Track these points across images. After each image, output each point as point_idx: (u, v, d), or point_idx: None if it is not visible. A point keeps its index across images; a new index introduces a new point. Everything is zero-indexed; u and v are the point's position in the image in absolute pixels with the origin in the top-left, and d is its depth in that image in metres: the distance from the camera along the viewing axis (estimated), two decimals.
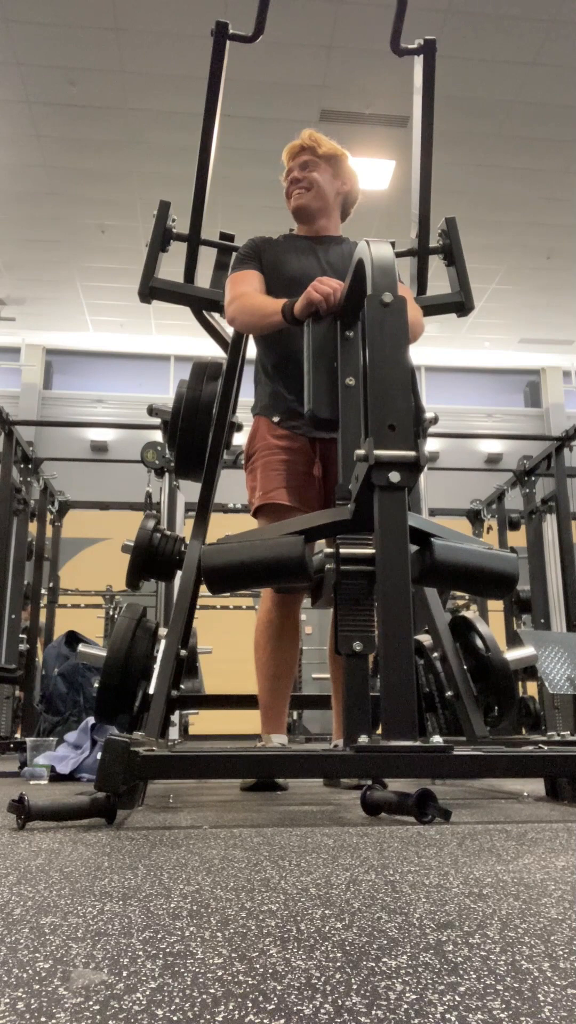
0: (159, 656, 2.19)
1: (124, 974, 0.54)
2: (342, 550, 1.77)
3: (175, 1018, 0.46)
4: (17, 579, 5.12)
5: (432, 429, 2.56)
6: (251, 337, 2.55)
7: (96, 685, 2.30)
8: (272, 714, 2.33)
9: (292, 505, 2.29)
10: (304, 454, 2.36)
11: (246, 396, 2.57)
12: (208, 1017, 0.46)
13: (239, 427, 2.68)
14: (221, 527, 2.38)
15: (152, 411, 3.87)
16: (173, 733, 3.50)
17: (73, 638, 3.90)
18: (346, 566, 1.76)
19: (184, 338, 10.08)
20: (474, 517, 6.98)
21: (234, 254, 2.57)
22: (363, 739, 1.54)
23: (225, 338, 2.67)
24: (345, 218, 2.60)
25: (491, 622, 5.27)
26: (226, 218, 2.51)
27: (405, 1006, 0.48)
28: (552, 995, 0.50)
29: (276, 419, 2.40)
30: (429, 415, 2.49)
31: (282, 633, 2.35)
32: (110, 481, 8.15)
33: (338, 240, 2.51)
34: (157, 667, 2.15)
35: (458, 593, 6.39)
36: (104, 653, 2.28)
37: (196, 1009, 0.47)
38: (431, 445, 9.80)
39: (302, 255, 2.44)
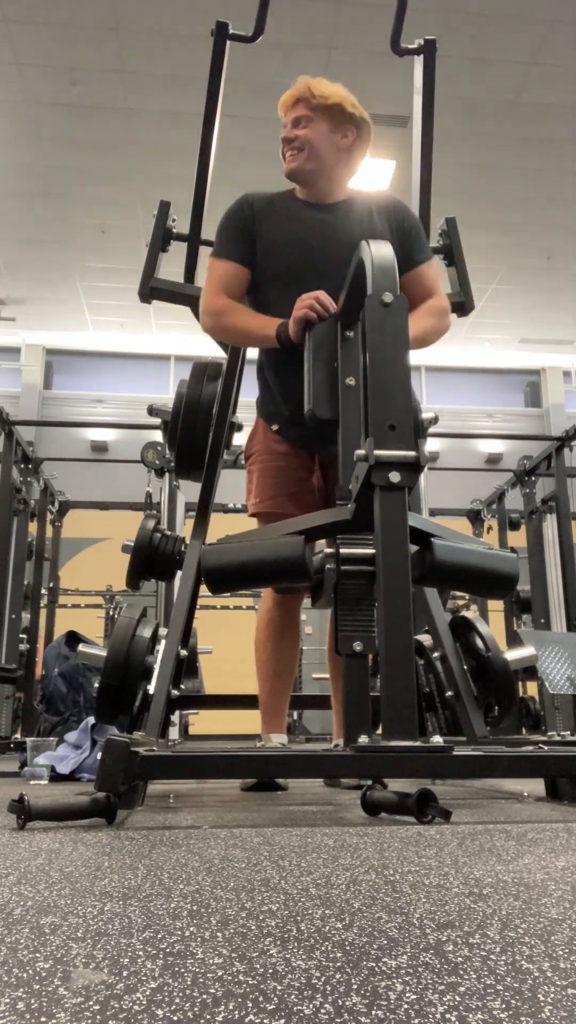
0: (159, 656, 2.19)
1: (124, 974, 0.54)
2: (342, 550, 1.77)
3: (175, 1018, 0.46)
4: (17, 579, 5.12)
5: (432, 429, 2.56)
6: None
7: (96, 685, 2.30)
8: (272, 714, 2.33)
9: (289, 513, 2.27)
10: (303, 459, 2.34)
11: (246, 396, 2.57)
12: (208, 1017, 0.46)
13: (239, 427, 2.68)
14: (221, 527, 2.38)
15: (152, 411, 3.87)
16: (173, 733, 3.50)
17: (73, 638, 3.90)
18: (346, 566, 1.75)
19: (184, 338, 10.09)
20: (474, 517, 6.98)
21: (220, 220, 2.26)
22: (363, 739, 1.54)
23: None
24: (355, 171, 2.30)
25: (491, 622, 5.27)
26: None
27: (405, 1006, 0.47)
28: (552, 995, 0.50)
29: (275, 427, 2.35)
30: (429, 415, 2.49)
31: (282, 632, 2.34)
32: (110, 481, 8.16)
33: (346, 204, 2.24)
34: (157, 667, 2.15)
35: (458, 593, 6.39)
36: (104, 653, 2.28)
37: (196, 1009, 0.47)
38: (431, 445, 9.80)
39: (304, 229, 2.19)
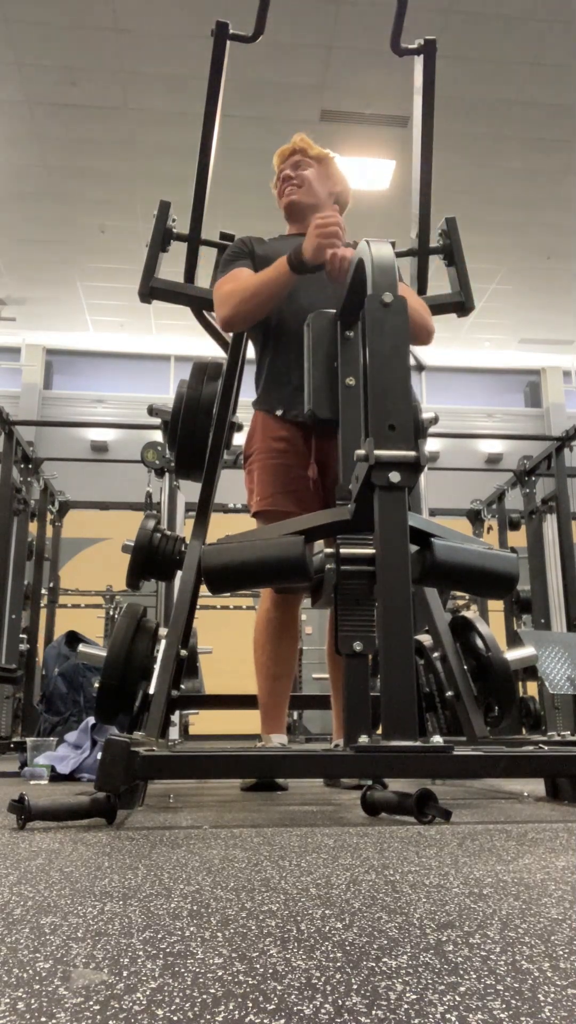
0: (159, 656, 2.19)
1: (124, 974, 0.54)
2: (342, 550, 1.77)
3: (175, 1018, 0.46)
4: (17, 579, 5.12)
5: (432, 429, 2.56)
6: (250, 337, 2.54)
7: (96, 685, 2.30)
8: (272, 714, 2.33)
9: (291, 511, 2.29)
10: (301, 456, 2.35)
11: (246, 396, 2.57)
12: (208, 1017, 0.46)
13: (239, 427, 2.68)
14: (221, 527, 2.38)
15: (152, 411, 3.87)
16: (173, 733, 3.50)
17: (73, 638, 3.90)
18: (346, 566, 1.76)
19: (184, 338, 10.09)
20: (474, 517, 6.98)
21: (223, 255, 2.52)
22: (363, 739, 1.54)
23: (225, 338, 2.67)
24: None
25: (491, 622, 5.28)
26: (226, 218, 2.51)
27: (405, 1006, 0.48)
28: (552, 995, 0.50)
29: (279, 412, 2.37)
30: (429, 415, 2.49)
31: (282, 632, 2.34)
32: (110, 481, 8.15)
33: None
34: (157, 667, 2.15)
35: (458, 593, 6.38)
36: (104, 653, 2.28)
37: (196, 1009, 0.47)
38: (431, 445, 9.80)
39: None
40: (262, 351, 2.47)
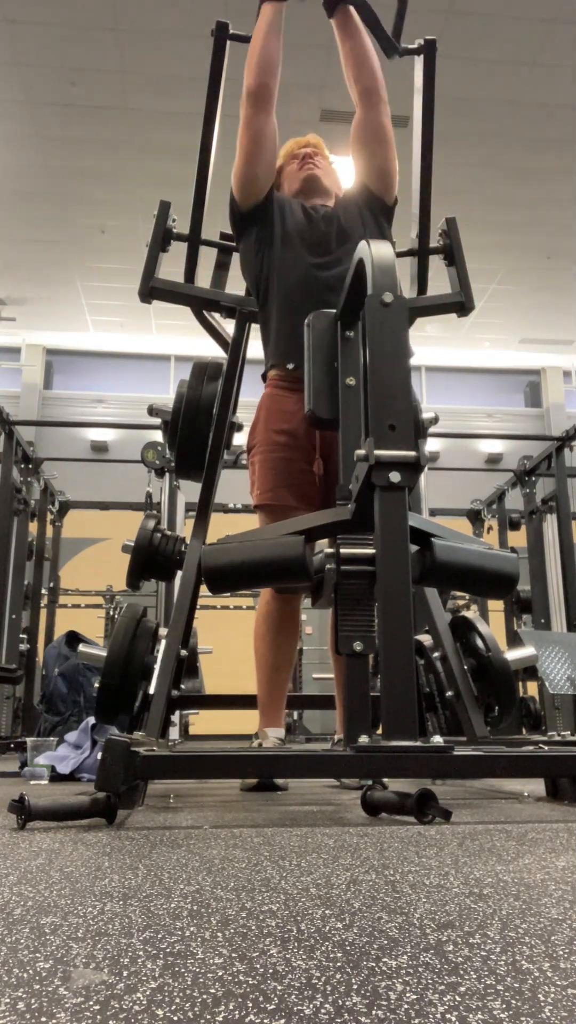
0: (159, 656, 2.19)
1: (124, 974, 0.54)
2: (342, 550, 1.77)
3: (175, 1018, 0.46)
4: (17, 579, 5.12)
5: (432, 429, 2.56)
6: (249, 338, 2.55)
7: (96, 685, 2.30)
8: (270, 707, 2.33)
9: (291, 505, 2.29)
10: (304, 451, 2.35)
11: (246, 396, 2.57)
12: (208, 1017, 0.46)
13: (239, 427, 2.68)
14: (221, 527, 2.38)
15: (152, 411, 3.87)
16: (173, 733, 3.50)
17: (73, 638, 3.90)
18: (346, 566, 1.75)
19: (184, 338, 10.08)
20: (474, 517, 6.98)
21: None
22: (363, 739, 1.54)
23: (225, 338, 2.67)
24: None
25: (491, 622, 5.27)
26: (226, 218, 2.50)
27: (405, 1006, 0.47)
28: (552, 995, 0.50)
29: (291, 365, 2.35)
30: (429, 415, 2.49)
31: (282, 625, 2.35)
32: (110, 481, 8.16)
33: (337, 203, 2.58)
34: (157, 667, 2.15)
35: (458, 593, 6.38)
36: (104, 653, 2.28)
37: (196, 1009, 0.47)
38: (431, 445, 9.80)
39: (300, 212, 2.51)
40: (264, 307, 2.47)
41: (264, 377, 2.49)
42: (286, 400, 2.37)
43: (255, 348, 2.54)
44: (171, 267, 2.59)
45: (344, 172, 2.71)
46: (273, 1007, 0.48)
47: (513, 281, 9.45)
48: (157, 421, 3.90)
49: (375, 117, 2.47)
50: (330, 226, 2.47)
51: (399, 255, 2.52)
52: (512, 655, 2.26)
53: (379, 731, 1.59)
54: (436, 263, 2.71)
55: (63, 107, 6.79)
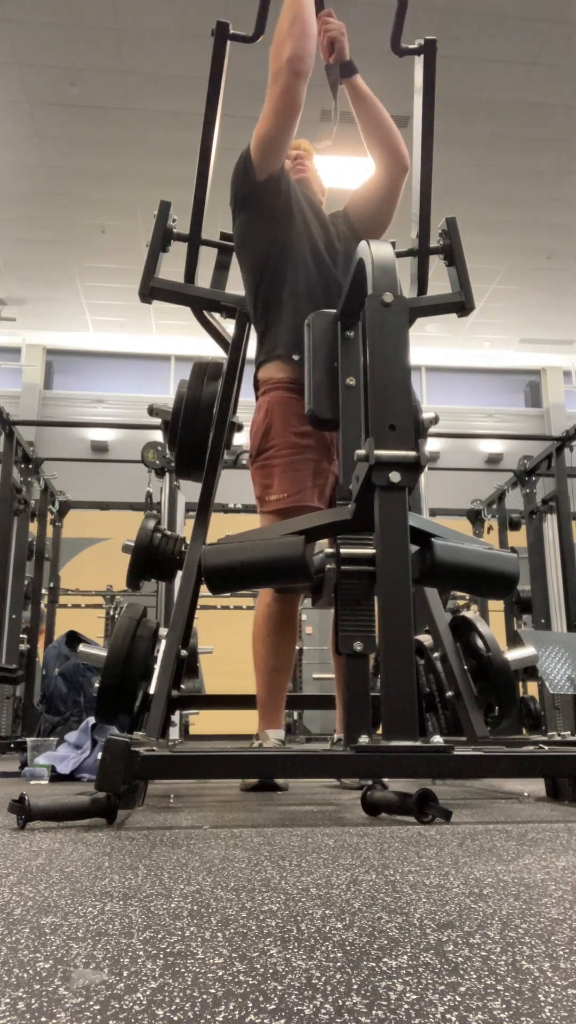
0: (159, 656, 2.19)
1: (124, 974, 0.54)
2: (343, 550, 1.77)
3: (175, 1018, 0.46)
4: (17, 579, 5.12)
5: (432, 429, 2.56)
6: (250, 338, 2.54)
7: (96, 685, 2.30)
8: (270, 708, 2.33)
9: (315, 506, 2.27)
10: (324, 451, 2.33)
11: (246, 396, 2.57)
12: (208, 1017, 0.46)
13: (239, 427, 2.68)
14: (221, 527, 2.38)
15: (152, 411, 3.87)
16: (173, 733, 3.50)
17: (73, 638, 3.90)
18: (347, 566, 1.76)
19: (184, 338, 10.08)
20: (474, 517, 6.97)
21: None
22: (363, 739, 1.54)
23: (225, 338, 2.67)
24: None
25: (491, 622, 5.27)
26: (226, 218, 2.50)
27: (406, 1006, 0.48)
28: (552, 995, 0.50)
29: (296, 356, 2.32)
30: (429, 415, 2.49)
31: (282, 625, 2.34)
32: (110, 481, 8.15)
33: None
34: (158, 667, 2.15)
35: (458, 593, 6.38)
36: (104, 653, 2.28)
37: (196, 1009, 0.47)
38: (431, 445, 9.80)
39: (314, 202, 2.58)
40: (271, 289, 2.42)
41: (256, 371, 2.45)
42: (298, 403, 2.35)
43: (255, 348, 2.54)
44: (171, 267, 2.59)
45: (341, 171, 2.74)
46: (273, 1007, 0.48)
47: (513, 281, 9.45)
48: (157, 421, 3.89)
49: (398, 183, 2.56)
50: (336, 227, 2.53)
51: (399, 255, 2.52)
52: (512, 655, 2.26)
53: (379, 731, 1.59)
54: (436, 263, 2.71)
55: (63, 107, 6.79)
